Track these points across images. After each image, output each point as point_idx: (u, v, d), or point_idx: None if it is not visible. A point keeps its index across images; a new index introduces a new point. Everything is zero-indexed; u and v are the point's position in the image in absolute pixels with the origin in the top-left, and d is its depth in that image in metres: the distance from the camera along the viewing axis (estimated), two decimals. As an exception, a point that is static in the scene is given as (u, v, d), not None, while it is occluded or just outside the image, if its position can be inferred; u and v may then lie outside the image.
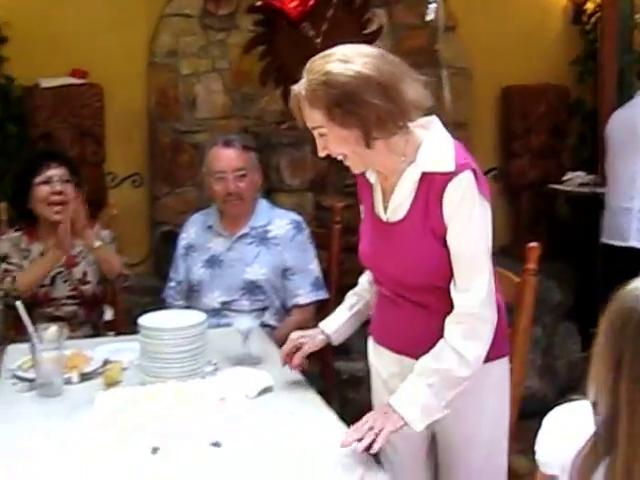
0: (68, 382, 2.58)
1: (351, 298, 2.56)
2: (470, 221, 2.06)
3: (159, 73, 5.14)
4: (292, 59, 5.03)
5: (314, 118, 2.07)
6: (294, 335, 2.55)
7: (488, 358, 2.15)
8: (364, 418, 2.05)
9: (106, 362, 2.73)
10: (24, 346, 2.70)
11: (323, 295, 3.44)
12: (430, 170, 2.08)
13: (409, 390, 2.08)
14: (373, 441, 1.96)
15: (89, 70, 4.92)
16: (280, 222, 3.46)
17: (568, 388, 4.67)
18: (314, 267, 3.47)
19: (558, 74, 5.83)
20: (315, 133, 2.12)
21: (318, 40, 4.87)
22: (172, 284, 3.55)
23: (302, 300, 3.43)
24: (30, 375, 2.61)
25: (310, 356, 2.56)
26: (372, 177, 2.26)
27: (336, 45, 2.11)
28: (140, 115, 5.18)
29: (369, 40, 5.04)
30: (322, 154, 2.15)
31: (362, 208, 2.37)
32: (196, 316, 2.62)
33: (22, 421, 2.34)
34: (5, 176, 4.39)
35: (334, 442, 2.01)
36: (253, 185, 3.45)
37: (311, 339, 2.51)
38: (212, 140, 3.60)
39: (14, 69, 4.76)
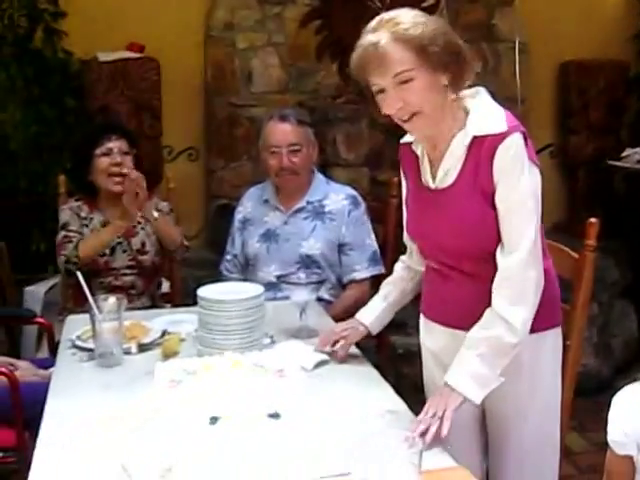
0: (127, 352, 2.61)
1: (386, 287, 2.56)
2: (519, 182, 2.06)
3: (215, 47, 5.16)
4: (348, 33, 5.00)
5: (405, 60, 2.03)
6: (337, 328, 2.57)
7: (540, 327, 2.15)
8: (425, 407, 2.05)
9: (164, 333, 2.77)
10: (83, 317, 2.74)
11: (380, 270, 3.43)
12: (481, 133, 2.09)
13: (461, 364, 2.08)
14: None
15: (146, 44, 4.94)
16: (336, 197, 3.46)
17: (624, 367, 4.64)
18: (371, 242, 3.46)
19: (617, 49, 5.73)
20: (393, 82, 2.05)
21: (382, 12, 4.80)
22: (228, 257, 3.56)
23: (359, 275, 3.42)
24: (90, 345, 2.64)
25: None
26: (418, 149, 2.27)
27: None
28: (196, 89, 5.20)
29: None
30: (393, 109, 2.09)
31: (405, 184, 2.38)
32: (254, 288, 2.63)
33: (82, 391, 2.37)
34: (63, 149, 4.44)
35: (391, 415, 2.03)
36: (307, 160, 3.44)
37: (353, 330, 2.53)
38: (268, 114, 3.60)
39: (73, 43, 4.80)
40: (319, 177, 3.54)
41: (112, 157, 3.43)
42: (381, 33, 2.04)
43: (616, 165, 5.49)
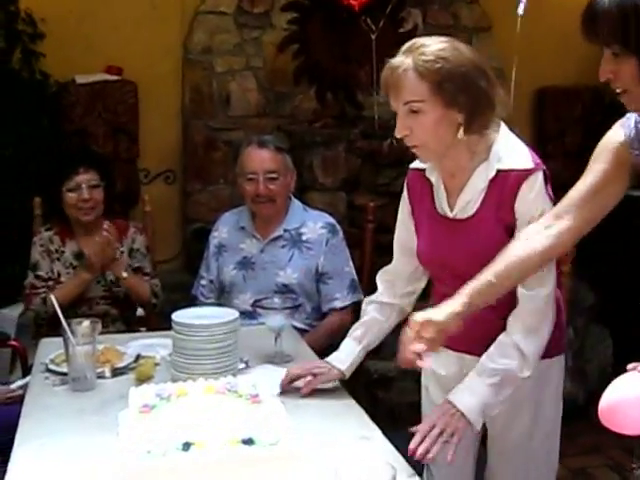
0: (101, 376, 2.60)
1: (359, 329, 2.53)
2: (541, 217, 2.08)
3: (193, 70, 5.15)
4: (325, 58, 5.04)
5: (417, 91, 2.07)
6: (308, 365, 2.55)
7: (550, 354, 2.21)
8: (429, 421, 2.06)
9: (139, 357, 2.75)
10: (57, 340, 2.72)
11: (359, 297, 3.39)
12: (506, 167, 2.12)
13: (474, 392, 2.10)
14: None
15: (124, 67, 4.94)
16: (314, 225, 3.44)
17: (599, 392, 4.64)
18: (349, 269, 3.45)
19: (593, 76, 5.72)
20: (404, 110, 2.11)
21: (373, 36, 4.80)
22: (203, 282, 3.54)
23: (339, 304, 3.40)
24: (63, 369, 2.63)
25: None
26: (432, 176, 2.28)
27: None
28: (174, 112, 5.20)
29: (403, 39, 5.03)
30: (401, 134, 2.14)
31: (409, 209, 2.38)
32: (229, 313, 2.62)
33: (54, 415, 2.36)
34: (39, 172, 4.41)
35: (366, 441, 2.02)
36: (284, 188, 3.43)
37: (327, 370, 2.50)
38: (247, 139, 3.59)
39: (50, 65, 4.76)
40: (296, 204, 3.53)
41: (80, 193, 3.41)
42: (406, 58, 2.08)
43: (591, 191, 5.50)
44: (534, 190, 2.10)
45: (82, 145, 4.62)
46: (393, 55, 2.13)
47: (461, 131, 2.10)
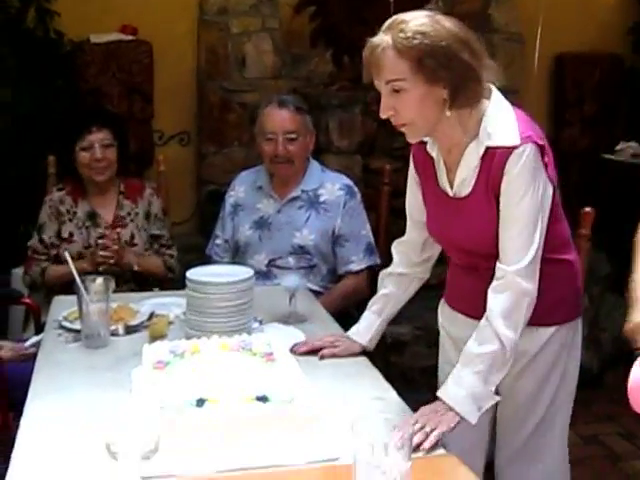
0: (114, 334, 2.60)
1: (377, 303, 2.51)
2: (522, 199, 2.04)
3: (209, 31, 5.10)
4: (343, 21, 4.99)
5: (398, 69, 2.01)
6: (330, 337, 2.52)
7: (571, 316, 2.25)
8: (415, 415, 2.01)
9: (152, 315, 2.74)
10: (70, 297, 2.72)
11: (375, 260, 3.37)
12: (494, 144, 2.06)
13: (459, 383, 2.06)
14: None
15: (139, 27, 4.90)
16: (331, 187, 3.41)
17: (612, 361, 4.62)
18: (366, 232, 3.41)
19: (613, 43, 5.71)
20: (387, 89, 2.05)
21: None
22: (218, 241, 3.51)
23: (355, 267, 3.37)
24: (76, 326, 2.62)
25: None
26: (433, 151, 2.23)
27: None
28: (189, 73, 5.16)
29: (422, 2, 4.98)
30: (385, 114, 2.08)
31: (418, 180, 2.34)
32: (244, 271, 2.60)
33: (67, 371, 2.36)
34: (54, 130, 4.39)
35: (381, 401, 2.01)
36: (304, 149, 3.39)
37: (348, 344, 2.48)
38: (266, 99, 3.54)
39: (64, 24, 4.72)
40: (314, 165, 3.49)
41: (93, 152, 3.37)
42: (386, 36, 2.02)
43: (610, 158, 5.47)
44: (518, 165, 2.02)
45: (96, 104, 4.58)
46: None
47: (447, 107, 2.04)
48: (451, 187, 2.19)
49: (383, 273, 2.53)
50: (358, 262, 3.38)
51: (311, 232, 3.35)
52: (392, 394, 2.20)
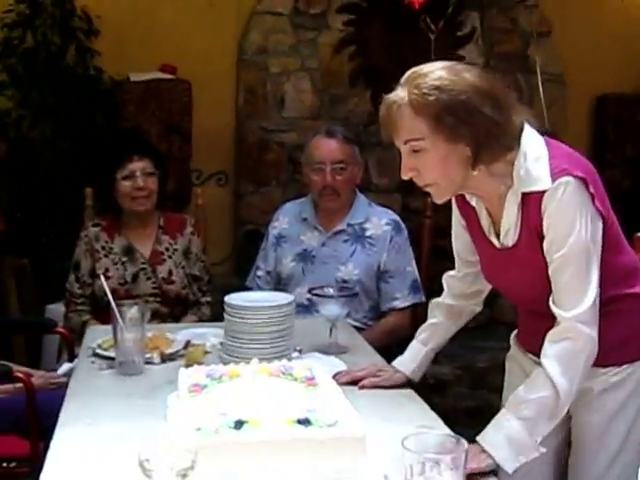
0: (149, 362, 2.54)
1: (424, 332, 2.41)
2: (571, 233, 1.89)
3: (248, 71, 5.11)
4: (383, 60, 4.98)
5: (415, 128, 1.88)
6: (372, 368, 2.43)
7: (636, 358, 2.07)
8: None
9: (188, 344, 2.68)
10: (104, 327, 2.69)
11: (420, 298, 3.29)
12: (528, 190, 1.93)
13: (499, 426, 1.91)
14: None
15: (178, 66, 4.91)
16: (378, 221, 3.35)
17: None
18: (412, 269, 3.34)
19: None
20: (406, 149, 1.94)
21: (432, 36, 4.71)
22: (260, 273, 3.45)
23: (400, 304, 3.29)
24: (110, 354, 2.56)
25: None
26: (472, 200, 2.12)
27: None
28: (228, 112, 5.16)
29: (461, 42, 4.96)
30: (406, 176, 1.97)
31: (462, 222, 2.23)
32: (283, 297, 2.54)
33: (99, 397, 2.30)
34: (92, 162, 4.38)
35: (428, 430, 1.91)
36: (351, 179, 3.34)
37: (391, 373, 2.39)
38: (314, 130, 3.51)
39: (104, 63, 4.75)
40: (361, 198, 3.44)
41: (134, 180, 3.32)
42: (402, 92, 1.90)
43: (652, 199, 5.37)
44: (554, 202, 1.88)
45: (136, 134, 4.56)
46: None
47: (475, 164, 1.91)
48: (497, 238, 2.07)
49: (433, 303, 2.43)
50: (402, 299, 3.30)
51: (356, 267, 3.28)
52: (440, 423, 2.10)
